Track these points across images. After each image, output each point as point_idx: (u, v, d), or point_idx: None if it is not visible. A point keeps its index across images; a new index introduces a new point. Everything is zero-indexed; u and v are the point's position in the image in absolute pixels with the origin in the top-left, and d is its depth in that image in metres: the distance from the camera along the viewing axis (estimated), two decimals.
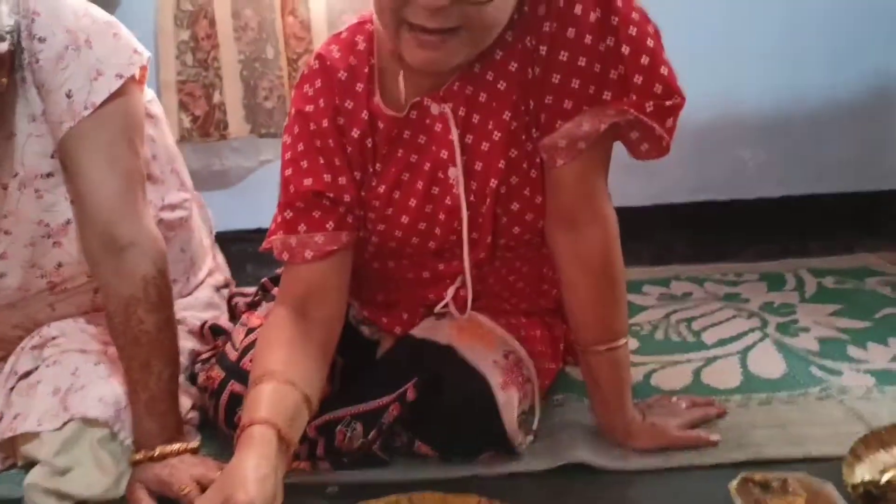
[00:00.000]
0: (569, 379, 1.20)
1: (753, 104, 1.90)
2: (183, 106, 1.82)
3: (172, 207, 1.22)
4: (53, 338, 1.07)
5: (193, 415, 1.11)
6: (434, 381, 0.98)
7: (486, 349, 1.02)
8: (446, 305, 1.07)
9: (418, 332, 1.06)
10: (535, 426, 1.05)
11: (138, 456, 0.98)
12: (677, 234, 1.90)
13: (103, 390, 1.01)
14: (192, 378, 1.15)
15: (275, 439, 0.80)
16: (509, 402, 0.98)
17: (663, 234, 1.89)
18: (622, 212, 1.00)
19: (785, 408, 1.11)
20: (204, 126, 1.84)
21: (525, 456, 1.01)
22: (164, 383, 0.99)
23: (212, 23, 1.78)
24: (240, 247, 1.68)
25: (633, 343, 1.31)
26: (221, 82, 1.82)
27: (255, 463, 0.77)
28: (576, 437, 1.03)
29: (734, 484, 0.85)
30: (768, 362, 1.27)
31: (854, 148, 1.93)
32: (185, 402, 1.11)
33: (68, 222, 1.05)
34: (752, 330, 1.40)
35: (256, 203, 1.55)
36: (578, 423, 1.07)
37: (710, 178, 1.95)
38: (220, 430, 1.06)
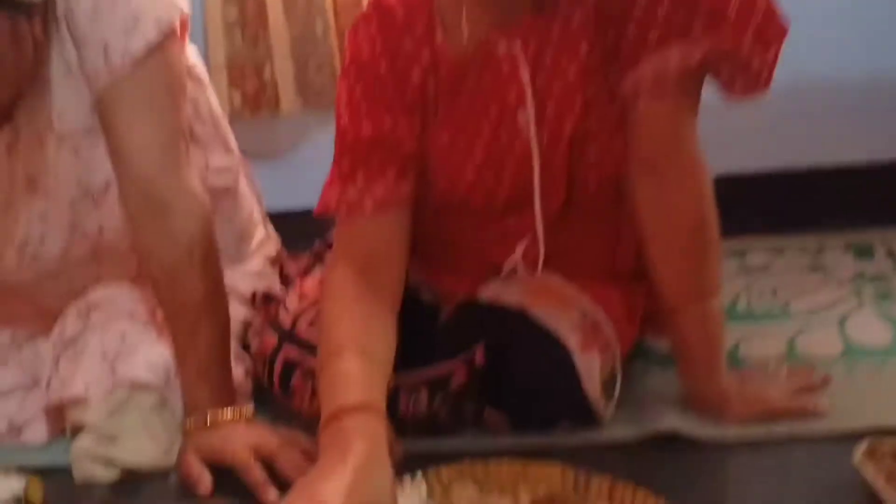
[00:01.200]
0: (650, 350, 1.10)
1: (835, 66, 1.76)
2: (233, 83, 1.79)
3: (218, 172, 1.16)
4: (99, 303, 1.02)
5: (246, 382, 1.04)
6: (505, 345, 0.90)
7: (562, 311, 0.93)
8: (515, 265, 0.98)
9: (485, 294, 0.97)
10: (616, 393, 0.95)
11: (190, 423, 0.91)
12: (751, 206, 1.78)
13: (153, 355, 0.95)
14: (245, 347, 1.09)
15: (379, 428, 0.73)
16: (590, 366, 0.89)
17: (736, 206, 1.77)
18: None
19: None
20: (255, 102, 1.80)
21: (608, 425, 0.92)
22: (215, 349, 0.93)
23: (260, 1, 1.75)
24: (288, 226, 1.62)
25: None
26: (272, 59, 1.78)
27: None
28: (663, 406, 0.93)
29: (860, 452, 0.74)
30: (872, 330, 1.14)
31: None
32: (238, 370, 1.04)
33: (109, 183, 0.99)
34: (846, 298, 1.28)
35: (305, 181, 1.48)
36: (665, 392, 0.97)
37: (787, 144, 1.82)
38: (274, 398, 0.99)
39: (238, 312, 1.11)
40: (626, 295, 1.04)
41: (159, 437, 0.93)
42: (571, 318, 0.92)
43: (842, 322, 1.19)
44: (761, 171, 1.80)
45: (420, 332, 0.98)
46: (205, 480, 0.86)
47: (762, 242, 1.68)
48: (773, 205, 1.75)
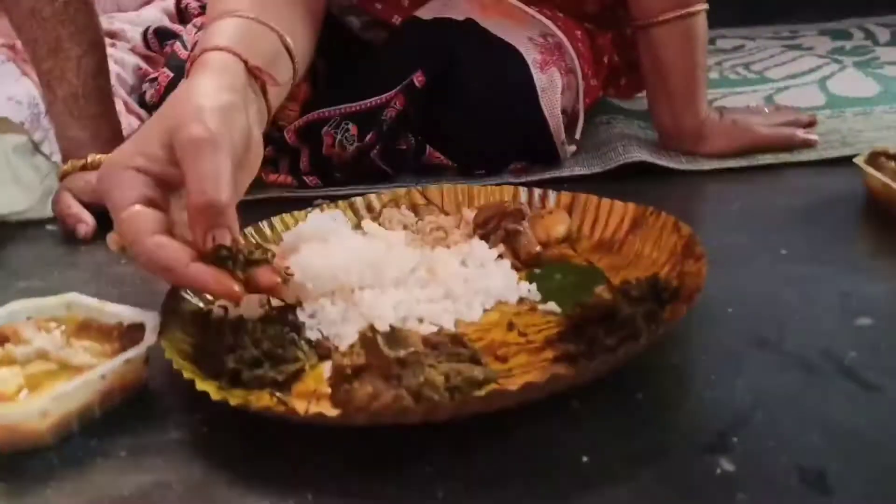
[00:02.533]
0: (613, 105, 0.97)
1: None
2: None
3: None
4: None
5: None
6: (450, 61, 0.74)
7: (519, 26, 0.77)
8: None
9: (426, 12, 0.80)
10: (578, 135, 0.82)
11: (67, 166, 0.75)
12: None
13: (14, 89, 0.77)
14: (142, 102, 0.91)
15: (242, 71, 0.53)
16: (551, 85, 0.74)
17: None
18: None
19: (891, 116, 0.89)
20: None
21: (568, 164, 0.79)
22: (87, 76, 0.74)
23: None
24: None
25: None
26: None
27: (213, 89, 0.50)
28: (631, 145, 0.80)
29: (862, 159, 0.63)
30: (856, 85, 1.03)
31: None
32: (132, 122, 0.87)
33: None
34: (826, 64, 1.16)
35: None
36: (634, 135, 0.84)
37: None
38: None
39: (128, 58, 0.93)
40: (590, 35, 0.89)
41: (32, 184, 0.77)
42: (531, 33, 0.77)
43: (822, 81, 1.07)
44: None
45: (349, 66, 0.82)
46: (85, 220, 0.71)
47: (732, 31, 1.55)
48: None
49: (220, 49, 0.53)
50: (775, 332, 0.46)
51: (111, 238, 0.49)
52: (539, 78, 0.74)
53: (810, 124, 0.84)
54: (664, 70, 0.77)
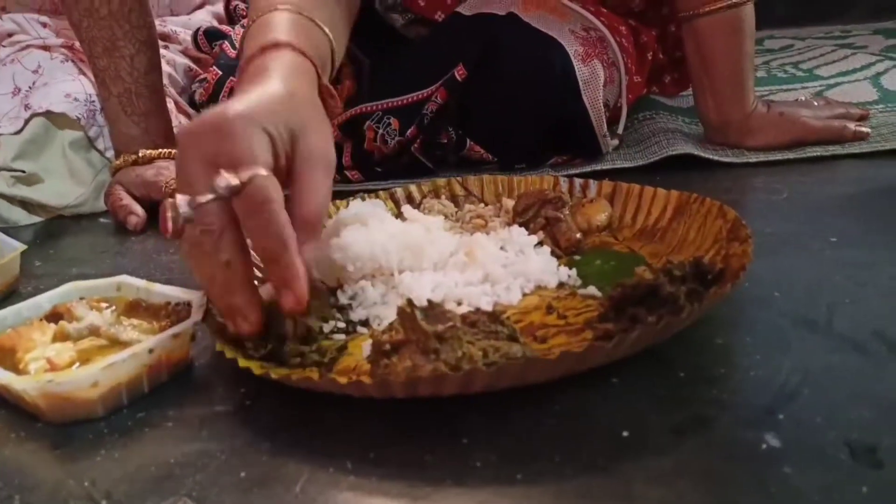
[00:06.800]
0: (656, 101, 0.96)
1: None
2: None
3: None
4: (9, 34, 0.86)
5: None
6: (492, 54, 0.75)
7: (560, 20, 0.77)
8: None
9: (467, 9, 0.81)
10: (620, 129, 0.81)
11: (119, 161, 0.78)
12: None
13: (72, 86, 0.80)
14: (192, 102, 0.94)
15: (312, 71, 0.51)
16: (593, 77, 0.74)
17: None
18: None
19: None
20: None
21: (610, 157, 0.78)
22: (140, 74, 0.77)
23: None
24: None
25: None
26: None
27: (315, 98, 0.49)
28: (676, 139, 0.79)
29: None
30: None
31: None
32: (182, 121, 0.90)
33: None
34: (879, 61, 1.13)
35: None
36: (678, 129, 0.84)
37: None
38: None
39: (179, 59, 0.96)
40: (636, 33, 0.88)
41: (84, 178, 0.80)
42: (573, 26, 0.77)
43: (876, 77, 1.04)
44: None
45: (391, 62, 0.83)
46: (136, 212, 0.73)
47: (781, 31, 1.52)
48: None
49: (282, 48, 0.51)
50: (824, 314, 0.45)
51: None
52: (581, 70, 0.74)
53: (862, 118, 0.82)
54: (710, 61, 0.76)
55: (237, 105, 0.43)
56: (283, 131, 0.44)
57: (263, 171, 0.40)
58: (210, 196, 0.40)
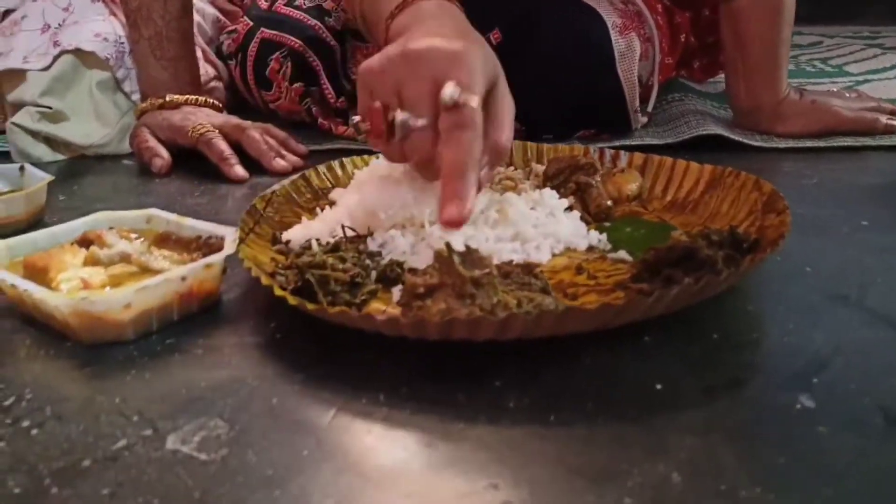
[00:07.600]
0: (685, 85, 0.95)
1: None
2: None
3: None
4: None
5: (217, 84, 0.90)
6: (528, 21, 0.74)
7: None
8: None
9: None
10: (650, 107, 0.81)
11: (145, 104, 0.77)
12: None
13: (102, 26, 0.80)
14: (219, 52, 0.93)
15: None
16: (629, 49, 0.73)
17: None
18: None
19: None
20: None
21: (640, 133, 0.78)
22: (173, 17, 0.77)
23: None
24: None
25: None
26: None
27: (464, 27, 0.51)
28: (706, 120, 0.79)
29: None
30: None
31: None
32: (209, 71, 0.90)
33: None
34: None
35: None
36: (708, 112, 0.83)
37: None
38: (248, 103, 0.85)
39: (208, 9, 0.95)
40: (670, 13, 0.88)
41: (110, 119, 0.79)
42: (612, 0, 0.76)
43: None
44: None
45: None
46: (161, 154, 0.73)
47: (809, 28, 1.52)
48: None
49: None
50: (855, 290, 0.45)
51: (355, 121, 0.51)
52: (618, 41, 0.73)
53: (894, 113, 0.82)
54: (745, 44, 0.76)
55: (461, 39, 0.47)
56: (491, 74, 0.48)
57: (477, 100, 0.45)
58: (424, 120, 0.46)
